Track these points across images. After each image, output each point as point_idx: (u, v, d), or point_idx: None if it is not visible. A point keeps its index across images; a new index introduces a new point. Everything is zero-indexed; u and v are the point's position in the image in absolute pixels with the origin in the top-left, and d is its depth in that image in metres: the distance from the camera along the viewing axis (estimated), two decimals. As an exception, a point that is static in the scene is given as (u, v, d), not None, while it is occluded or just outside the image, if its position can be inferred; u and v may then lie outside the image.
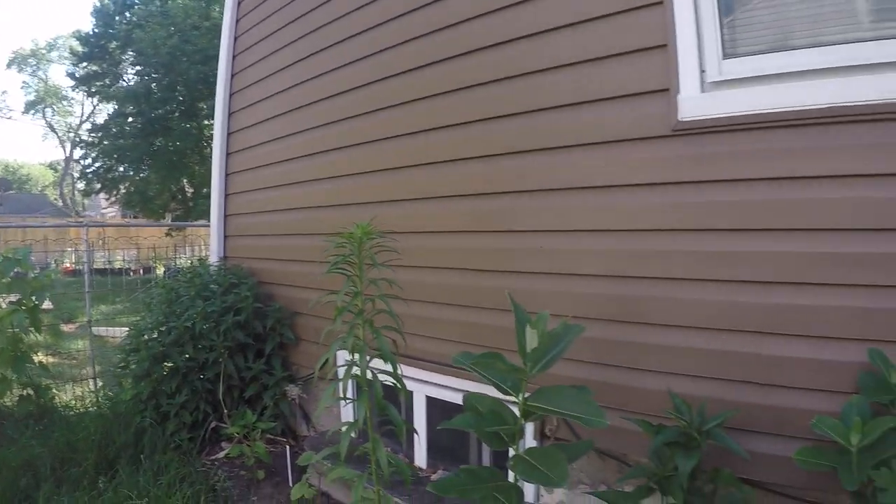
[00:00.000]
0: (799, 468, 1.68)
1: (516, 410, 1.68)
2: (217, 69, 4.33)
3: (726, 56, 2.13)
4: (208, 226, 4.44)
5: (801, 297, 1.89)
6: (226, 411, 3.46)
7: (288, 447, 3.26)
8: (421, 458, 3.05)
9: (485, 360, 1.60)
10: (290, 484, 3.03)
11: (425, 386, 2.92)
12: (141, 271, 12.70)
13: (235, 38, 4.28)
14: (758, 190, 1.98)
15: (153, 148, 19.45)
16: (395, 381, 1.94)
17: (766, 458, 1.93)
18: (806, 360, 1.88)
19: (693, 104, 2.10)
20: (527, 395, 1.65)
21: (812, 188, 1.89)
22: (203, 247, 11.10)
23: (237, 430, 3.27)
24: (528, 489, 2.54)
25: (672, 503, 1.85)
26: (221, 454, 3.41)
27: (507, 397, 1.70)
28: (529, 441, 2.48)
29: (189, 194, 21.22)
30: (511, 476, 1.87)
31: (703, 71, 2.13)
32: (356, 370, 1.90)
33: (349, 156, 3.29)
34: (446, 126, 2.81)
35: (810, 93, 1.90)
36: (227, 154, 4.26)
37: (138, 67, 20.09)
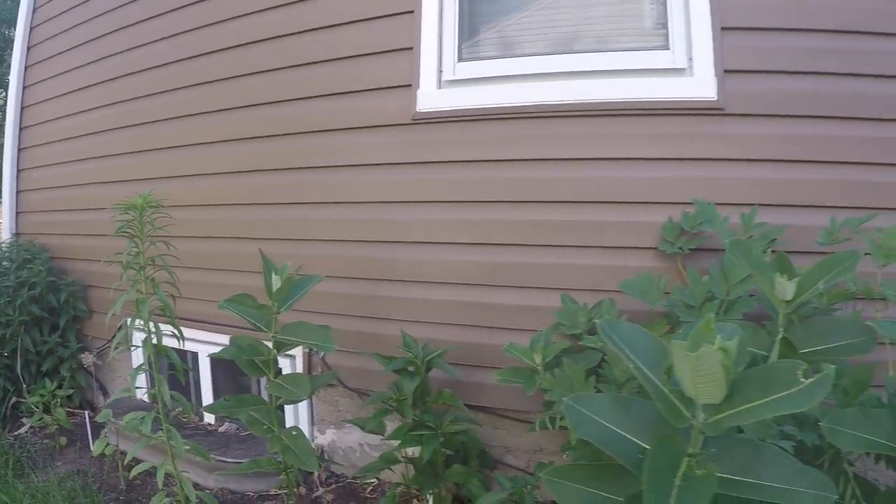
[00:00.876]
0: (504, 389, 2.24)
1: (270, 345, 2.10)
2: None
3: (461, 60, 2.67)
4: None
5: (509, 255, 2.50)
6: (25, 386, 3.51)
7: (87, 415, 3.40)
8: (210, 415, 3.36)
9: (238, 298, 1.99)
10: (92, 448, 3.20)
11: (208, 346, 3.21)
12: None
13: (34, 10, 4.20)
14: (479, 169, 2.55)
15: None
16: (175, 331, 2.25)
17: (491, 387, 2.47)
18: (517, 307, 2.48)
19: (430, 98, 2.61)
20: (277, 331, 2.08)
21: (517, 169, 2.49)
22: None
23: (36, 400, 3.36)
24: (305, 429, 2.96)
25: (406, 420, 2.34)
26: (24, 428, 3.46)
27: (262, 334, 2.11)
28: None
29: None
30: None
31: (440, 71, 2.65)
32: (139, 323, 2.19)
33: (136, 134, 3.47)
34: (223, 110, 3.12)
35: (521, 93, 2.49)
36: (21, 129, 4.19)
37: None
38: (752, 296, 1.96)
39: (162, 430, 2.17)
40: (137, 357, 3.42)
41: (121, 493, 2.77)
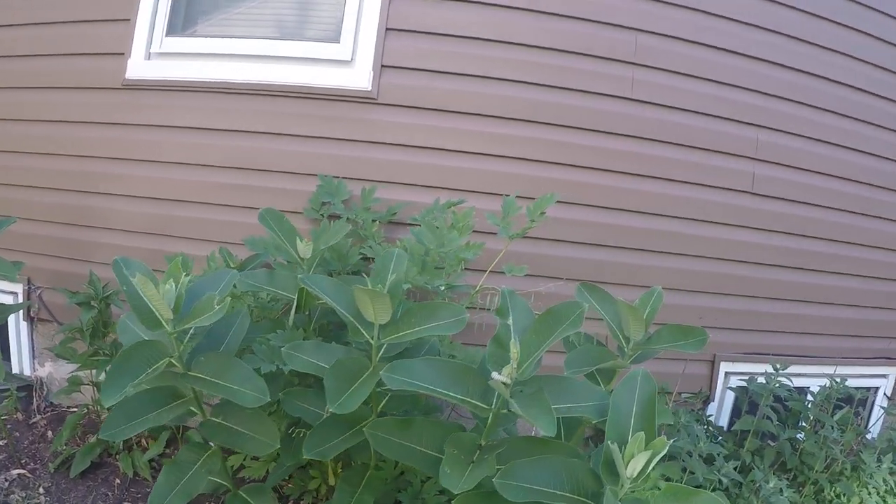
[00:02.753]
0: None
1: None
2: None
3: (168, 34, 2.99)
4: None
5: (180, 209, 2.93)
6: None
7: None
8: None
9: None
10: None
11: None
12: None
13: None
14: (169, 133, 2.92)
15: None
16: None
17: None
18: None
19: (138, 68, 2.95)
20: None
21: (199, 136, 2.89)
22: None
23: None
24: (27, 362, 3.24)
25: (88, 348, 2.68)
26: None
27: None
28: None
29: None
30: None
31: (150, 43, 2.97)
32: None
33: None
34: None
35: (211, 70, 2.89)
36: None
37: None
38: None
39: None
40: None
41: None
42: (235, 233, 2.80)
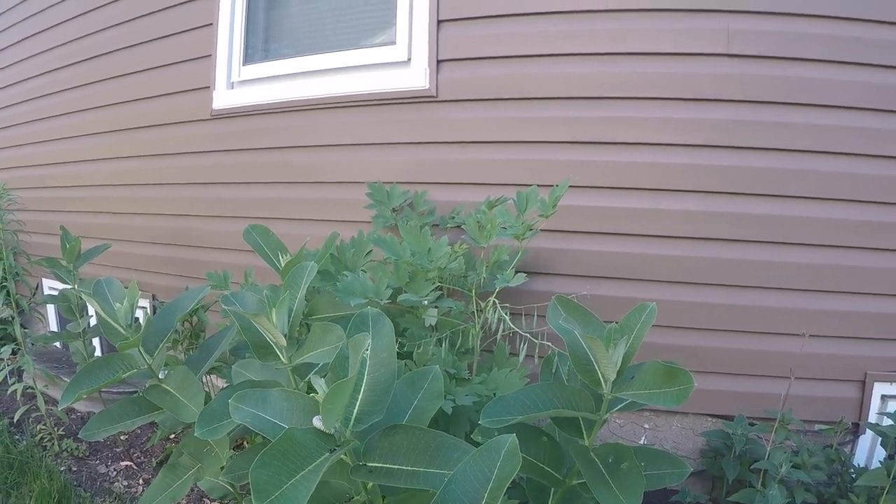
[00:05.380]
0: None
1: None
2: None
3: (245, 63, 3.25)
4: None
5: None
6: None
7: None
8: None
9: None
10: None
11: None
12: None
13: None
14: (259, 154, 3.18)
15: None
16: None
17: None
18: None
19: (221, 97, 3.24)
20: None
21: (279, 154, 3.10)
22: None
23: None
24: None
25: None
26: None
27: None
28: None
29: None
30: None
31: (230, 74, 3.25)
32: None
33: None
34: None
35: (283, 91, 3.12)
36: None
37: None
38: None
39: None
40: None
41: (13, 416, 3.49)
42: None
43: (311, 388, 1.22)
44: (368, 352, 1.26)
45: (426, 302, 1.87)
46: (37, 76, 4.29)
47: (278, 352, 1.51)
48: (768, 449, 2.16)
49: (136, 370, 1.78)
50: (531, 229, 2.01)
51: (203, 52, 3.30)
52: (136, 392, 2.76)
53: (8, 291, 3.22)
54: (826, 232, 2.40)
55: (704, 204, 2.44)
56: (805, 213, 2.40)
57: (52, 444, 3.20)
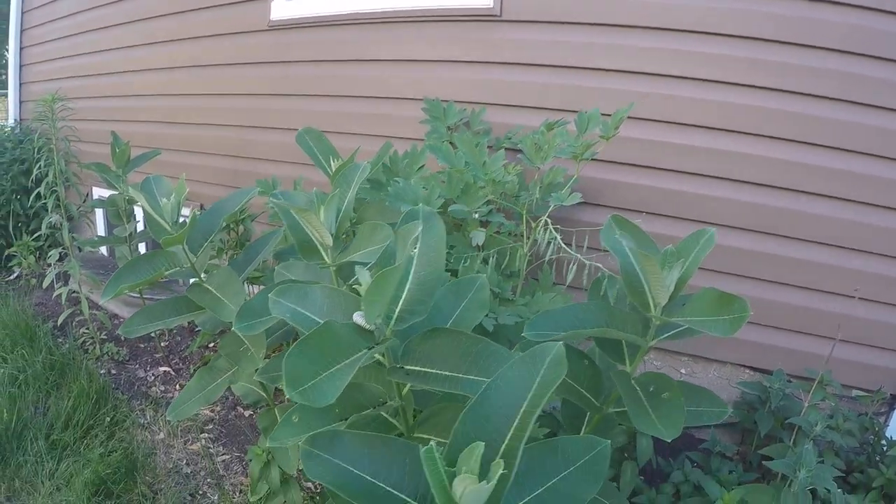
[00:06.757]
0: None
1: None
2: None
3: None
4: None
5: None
6: (15, 242, 4.54)
7: (53, 263, 4.37)
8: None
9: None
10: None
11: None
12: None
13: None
14: (320, 66, 3.14)
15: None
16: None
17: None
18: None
19: (279, 9, 3.19)
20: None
21: (338, 67, 3.04)
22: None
23: (16, 249, 4.37)
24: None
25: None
26: (14, 275, 4.53)
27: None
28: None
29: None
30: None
31: (289, -16, 3.19)
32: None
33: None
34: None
35: (345, 2, 3.03)
36: (22, 30, 5.10)
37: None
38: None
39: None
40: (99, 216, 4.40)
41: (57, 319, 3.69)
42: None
43: (354, 291, 1.20)
44: (417, 249, 1.23)
45: (476, 216, 1.83)
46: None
47: (323, 252, 1.49)
48: (805, 406, 2.11)
49: (179, 268, 1.78)
50: (590, 149, 1.94)
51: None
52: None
53: (58, 196, 3.30)
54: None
55: (767, 149, 2.33)
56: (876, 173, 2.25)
57: (94, 347, 3.33)
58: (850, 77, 2.22)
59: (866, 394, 2.37)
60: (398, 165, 2.17)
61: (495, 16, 2.68)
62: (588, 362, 1.44)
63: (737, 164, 2.36)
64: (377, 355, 1.20)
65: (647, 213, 2.42)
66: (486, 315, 1.60)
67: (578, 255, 1.68)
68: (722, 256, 2.38)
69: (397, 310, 1.19)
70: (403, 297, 1.19)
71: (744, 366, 2.54)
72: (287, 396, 0.99)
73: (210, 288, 1.80)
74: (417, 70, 2.88)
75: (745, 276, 2.44)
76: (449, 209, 1.87)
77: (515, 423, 0.90)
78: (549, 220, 1.81)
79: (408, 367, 1.23)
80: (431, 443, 0.79)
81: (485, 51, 2.73)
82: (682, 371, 2.62)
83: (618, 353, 1.43)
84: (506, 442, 0.89)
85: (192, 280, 1.90)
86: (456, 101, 2.65)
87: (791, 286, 2.41)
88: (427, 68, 2.86)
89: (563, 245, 1.71)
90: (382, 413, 1.36)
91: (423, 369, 1.21)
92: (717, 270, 2.43)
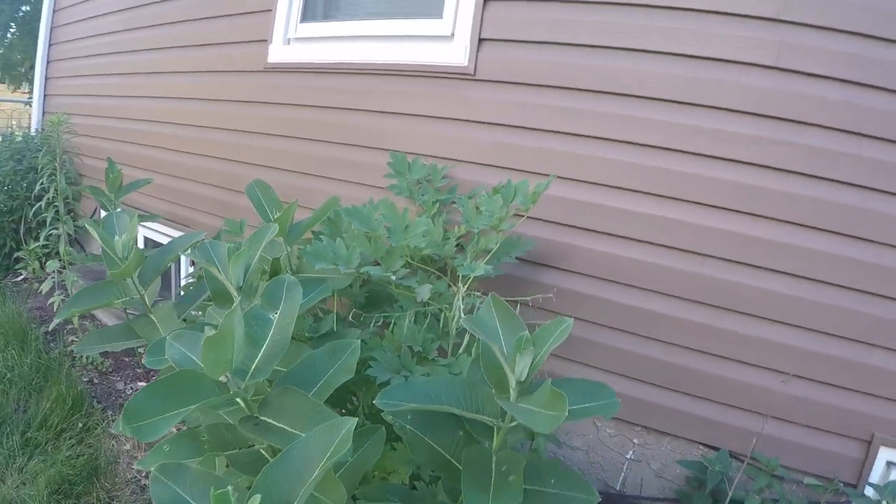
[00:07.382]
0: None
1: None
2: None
3: (302, 21, 3.39)
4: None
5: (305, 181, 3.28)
6: (25, 246, 4.80)
7: (56, 270, 4.61)
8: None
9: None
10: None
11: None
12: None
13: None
14: (307, 111, 3.35)
15: (19, 14, 19.82)
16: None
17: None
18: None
19: (277, 52, 3.41)
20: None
21: (317, 112, 3.24)
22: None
23: (24, 254, 4.62)
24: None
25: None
26: (20, 277, 4.78)
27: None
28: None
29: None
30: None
31: (287, 29, 3.39)
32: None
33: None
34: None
35: (337, 52, 3.22)
36: (50, 45, 5.43)
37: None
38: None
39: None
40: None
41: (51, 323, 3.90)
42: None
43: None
44: (277, 314, 1.39)
45: (394, 277, 1.95)
46: (115, 12, 4.59)
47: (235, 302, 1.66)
48: (749, 493, 2.06)
49: (129, 298, 1.98)
50: (505, 221, 2.08)
51: (264, 6, 3.45)
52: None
53: (57, 211, 3.53)
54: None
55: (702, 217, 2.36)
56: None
57: (81, 356, 3.53)
58: (783, 145, 2.22)
59: (819, 481, 2.23)
60: (341, 220, 2.31)
61: (469, 74, 2.81)
62: (463, 433, 1.50)
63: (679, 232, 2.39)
64: (240, 403, 1.34)
65: (600, 277, 2.51)
66: (400, 373, 1.74)
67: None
68: (670, 326, 2.41)
69: (252, 366, 1.34)
70: (259, 355, 1.34)
71: (698, 442, 2.46)
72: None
73: (154, 319, 2.00)
74: (395, 122, 3.02)
75: (691, 348, 2.41)
76: (361, 269, 1.96)
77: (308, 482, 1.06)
78: (461, 287, 1.94)
79: (262, 418, 1.38)
80: (229, 487, 0.94)
81: (457, 108, 2.85)
82: (636, 441, 2.60)
83: (485, 428, 1.44)
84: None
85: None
86: (431, 156, 2.80)
87: (743, 363, 2.35)
88: (404, 121, 3.01)
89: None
90: (261, 450, 1.49)
91: (273, 422, 1.36)
92: (671, 342, 2.42)
